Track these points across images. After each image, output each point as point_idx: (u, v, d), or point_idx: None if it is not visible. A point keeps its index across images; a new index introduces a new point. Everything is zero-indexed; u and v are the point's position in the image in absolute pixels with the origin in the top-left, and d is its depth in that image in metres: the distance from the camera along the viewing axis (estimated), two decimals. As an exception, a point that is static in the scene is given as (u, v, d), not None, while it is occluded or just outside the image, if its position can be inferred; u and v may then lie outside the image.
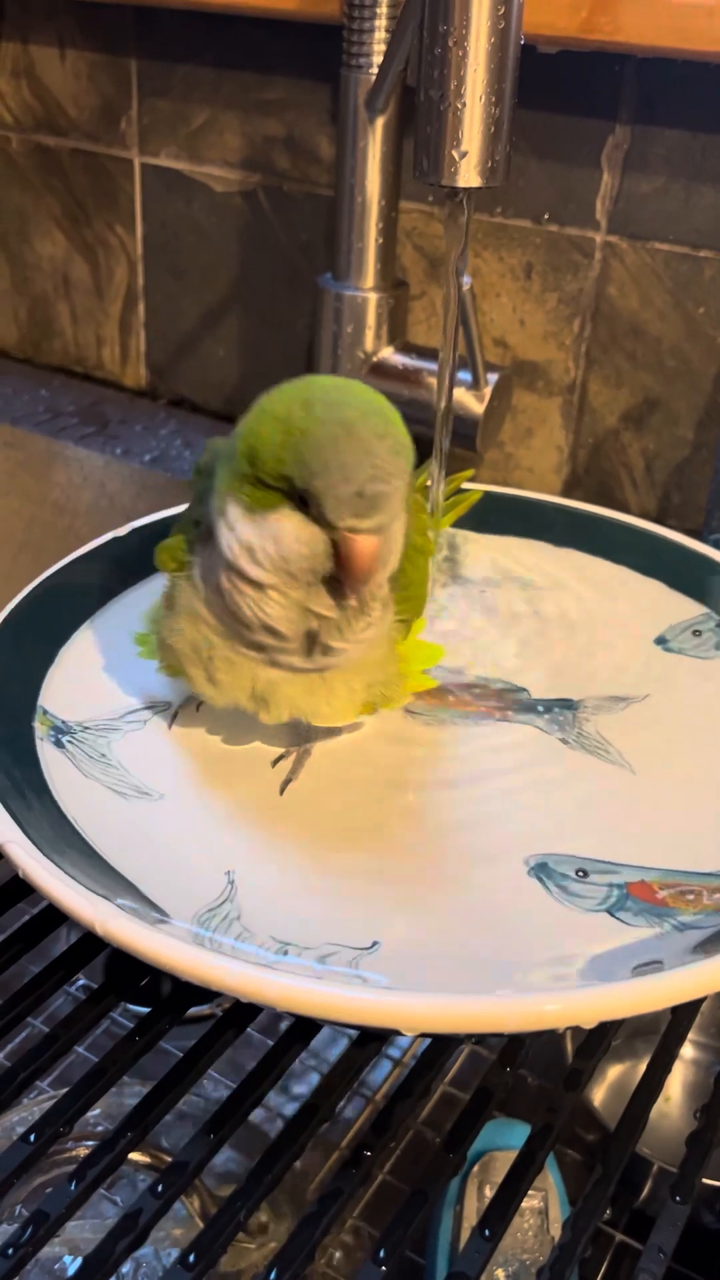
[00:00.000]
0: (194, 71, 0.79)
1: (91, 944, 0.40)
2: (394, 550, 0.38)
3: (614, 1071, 0.66)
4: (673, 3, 0.57)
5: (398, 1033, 0.33)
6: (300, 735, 0.45)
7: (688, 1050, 0.68)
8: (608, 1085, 0.65)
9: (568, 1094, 0.37)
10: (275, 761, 0.44)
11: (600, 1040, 0.40)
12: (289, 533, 0.37)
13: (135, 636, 0.45)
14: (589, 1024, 0.32)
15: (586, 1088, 0.45)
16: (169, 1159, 0.56)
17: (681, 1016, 0.40)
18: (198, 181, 0.82)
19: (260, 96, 0.77)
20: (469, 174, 0.41)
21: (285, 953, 0.36)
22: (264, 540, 0.37)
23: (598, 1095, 0.64)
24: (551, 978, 0.35)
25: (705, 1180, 0.57)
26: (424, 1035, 0.35)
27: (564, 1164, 0.61)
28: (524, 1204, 0.54)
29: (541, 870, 0.40)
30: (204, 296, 0.85)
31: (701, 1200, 0.59)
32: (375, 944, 0.37)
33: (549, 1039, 0.65)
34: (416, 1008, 0.32)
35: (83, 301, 0.92)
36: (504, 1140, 0.55)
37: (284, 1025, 0.39)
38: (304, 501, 0.36)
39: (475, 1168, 0.54)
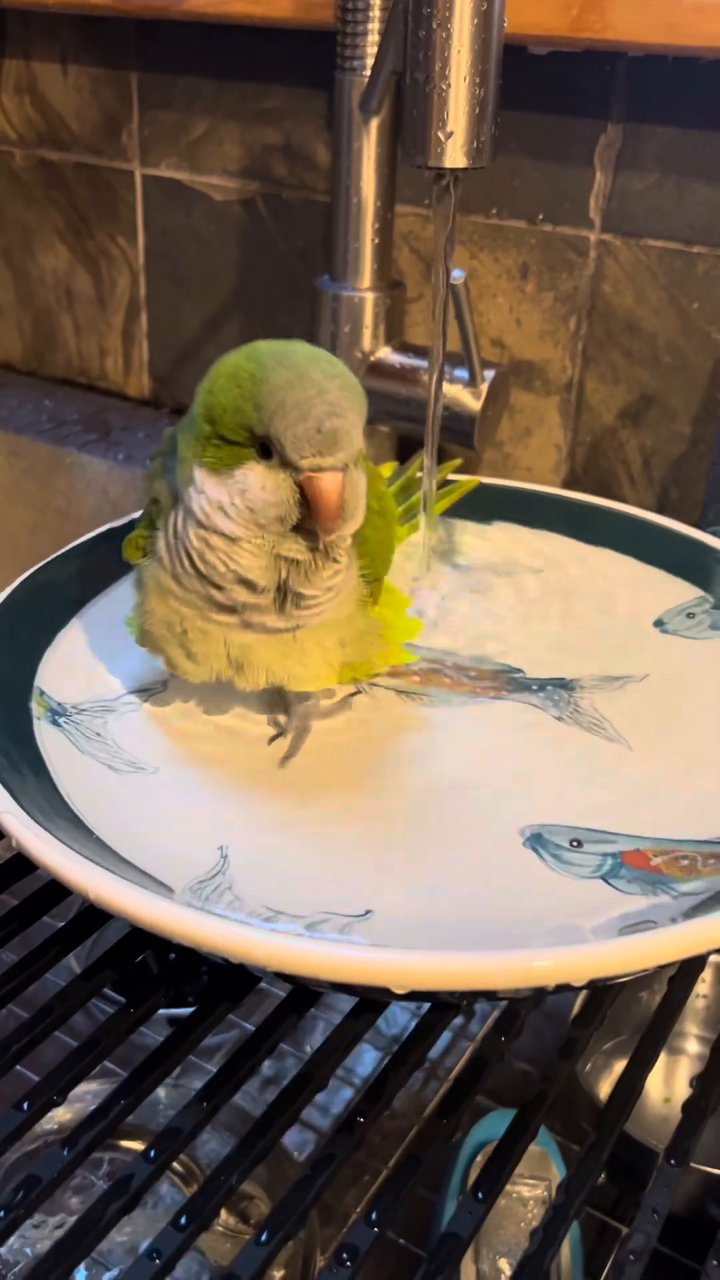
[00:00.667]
0: (194, 83, 0.80)
1: (87, 922, 0.41)
2: (359, 495, 0.39)
3: (619, 1066, 0.65)
4: (661, 0, 0.58)
5: (389, 993, 0.33)
6: (293, 712, 0.45)
7: (692, 1045, 0.67)
8: (613, 1080, 0.65)
9: (563, 1062, 0.37)
10: (272, 740, 0.44)
11: (596, 1010, 0.40)
12: (255, 483, 0.38)
13: (125, 619, 0.46)
14: (579, 981, 0.32)
15: (580, 1060, 0.44)
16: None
17: (678, 986, 0.40)
18: (198, 191, 0.83)
19: (258, 105, 0.78)
20: (455, 154, 0.42)
21: (276, 919, 0.36)
22: (232, 495, 0.39)
23: (604, 1090, 0.64)
24: (544, 942, 0.35)
25: (709, 1169, 0.56)
26: (416, 999, 0.35)
27: (570, 1156, 0.61)
28: (527, 1193, 0.53)
29: (536, 841, 0.40)
30: (205, 304, 0.86)
31: (707, 1191, 0.58)
32: (368, 912, 0.37)
33: (545, 1025, 0.65)
34: (406, 964, 0.32)
35: (86, 313, 0.93)
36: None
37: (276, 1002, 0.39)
38: (266, 451, 0.38)
39: (478, 1158, 0.54)
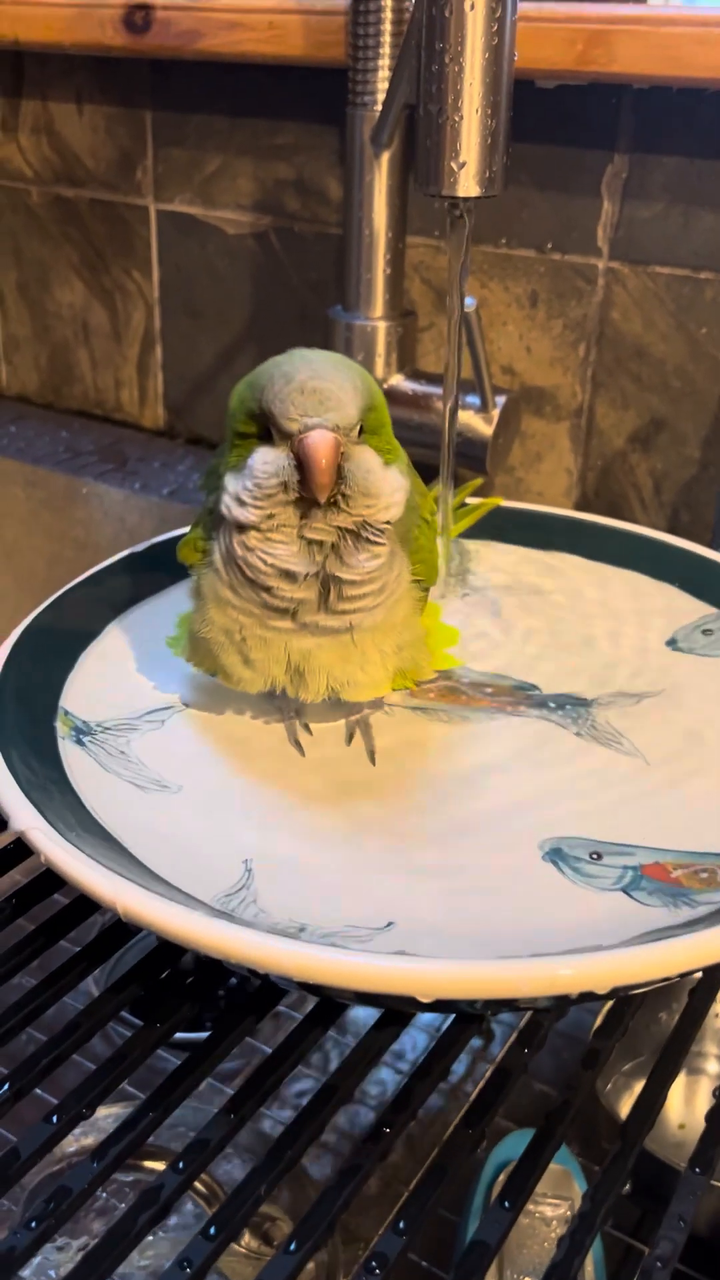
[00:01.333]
0: (207, 120, 0.82)
1: (107, 943, 0.41)
2: (369, 470, 0.40)
3: (640, 1086, 0.65)
4: (664, 32, 0.59)
5: (415, 1003, 0.33)
6: (350, 715, 0.47)
7: (712, 1066, 0.67)
8: (634, 1099, 0.65)
9: (585, 1072, 0.38)
10: (348, 739, 0.46)
11: (618, 1023, 0.40)
12: (258, 461, 0.40)
13: (167, 640, 0.47)
14: (602, 989, 0.33)
15: (601, 1072, 0.45)
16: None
17: (699, 998, 0.40)
18: (211, 225, 0.85)
19: (271, 141, 0.80)
20: (468, 184, 0.43)
21: (301, 932, 0.36)
22: (244, 480, 0.41)
23: (625, 1110, 0.64)
24: (565, 952, 0.36)
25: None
26: (440, 1009, 0.35)
27: (592, 1178, 0.61)
28: (550, 1213, 0.53)
29: (556, 854, 0.40)
30: (219, 336, 0.88)
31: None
32: (390, 924, 0.37)
33: (566, 1047, 0.65)
34: (431, 973, 0.32)
35: (101, 346, 0.94)
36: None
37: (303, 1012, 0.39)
38: (269, 434, 0.40)
39: (500, 1177, 0.54)
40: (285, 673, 0.43)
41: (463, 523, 0.57)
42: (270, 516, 0.40)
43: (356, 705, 0.46)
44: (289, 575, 0.41)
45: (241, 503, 0.41)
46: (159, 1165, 0.50)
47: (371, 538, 0.41)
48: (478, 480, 0.60)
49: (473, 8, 0.41)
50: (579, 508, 0.76)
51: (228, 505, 0.41)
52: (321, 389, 0.39)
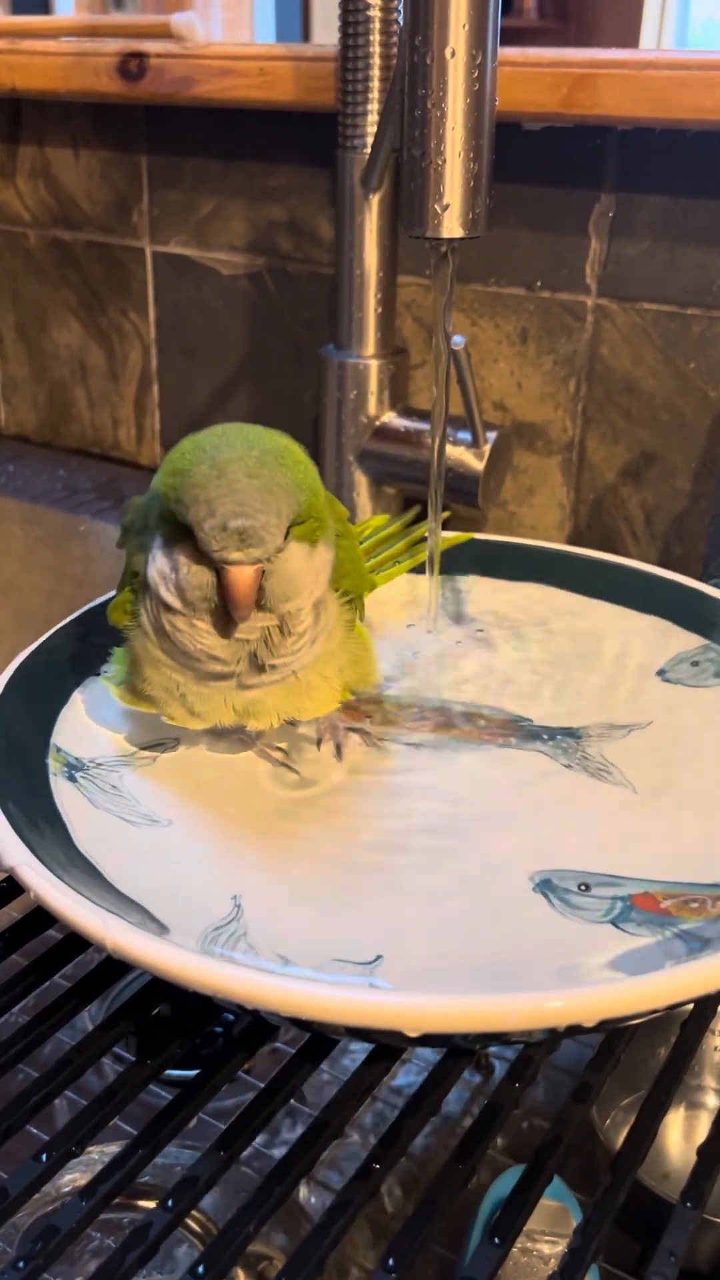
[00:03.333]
0: (202, 164, 0.83)
1: (100, 978, 0.41)
2: (291, 579, 0.41)
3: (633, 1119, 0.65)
4: (646, 75, 0.60)
5: (403, 1037, 0.33)
6: (317, 724, 0.48)
7: (711, 1100, 0.67)
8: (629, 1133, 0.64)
9: (576, 1106, 0.38)
10: (319, 743, 0.47)
11: (609, 1055, 0.40)
12: (184, 563, 0.40)
13: (103, 678, 0.48)
14: (590, 1021, 0.33)
15: (593, 1105, 0.44)
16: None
17: (690, 1029, 0.40)
18: (206, 266, 0.86)
19: (264, 184, 0.81)
20: (452, 225, 0.44)
21: (289, 966, 0.37)
22: (170, 569, 0.41)
23: (617, 1143, 0.63)
24: (555, 985, 0.36)
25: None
26: (429, 1043, 0.35)
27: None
28: (547, 1250, 0.53)
29: (546, 886, 0.40)
30: (215, 375, 0.89)
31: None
32: (379, 958, 0.37)
33: (565, 1081, 0.64)
34: (417, 1007, 0.32)
35: (99, 385, 0.95)
36: (526, 1187, 0.55)
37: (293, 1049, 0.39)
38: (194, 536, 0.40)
39: (496, 1215, 0.53)
40: (233, 716, 0.44)
41: (421, 556, 0.58)
42: (195, 614, 0.41)
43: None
44: (219, 660, 0.42)
45: (168, 588, 0.41)
46: (153, 1205, 0.50)
47: (294, 627, 0.42)
48: (445, 513, 0.60)
49: (453, 55, 0.41)
50: (572, 541, 0.77)
51: (154, 580, 0.41)
52: (244, 529, 0.38)
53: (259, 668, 0.42)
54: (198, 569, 0.40)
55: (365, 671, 0.46)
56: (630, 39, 2.89)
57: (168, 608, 0.41)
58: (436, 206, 0.44)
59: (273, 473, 0.39)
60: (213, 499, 0.39)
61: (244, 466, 0.39)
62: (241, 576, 0.39)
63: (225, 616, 0.40)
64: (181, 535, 0.40)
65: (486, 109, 0.43)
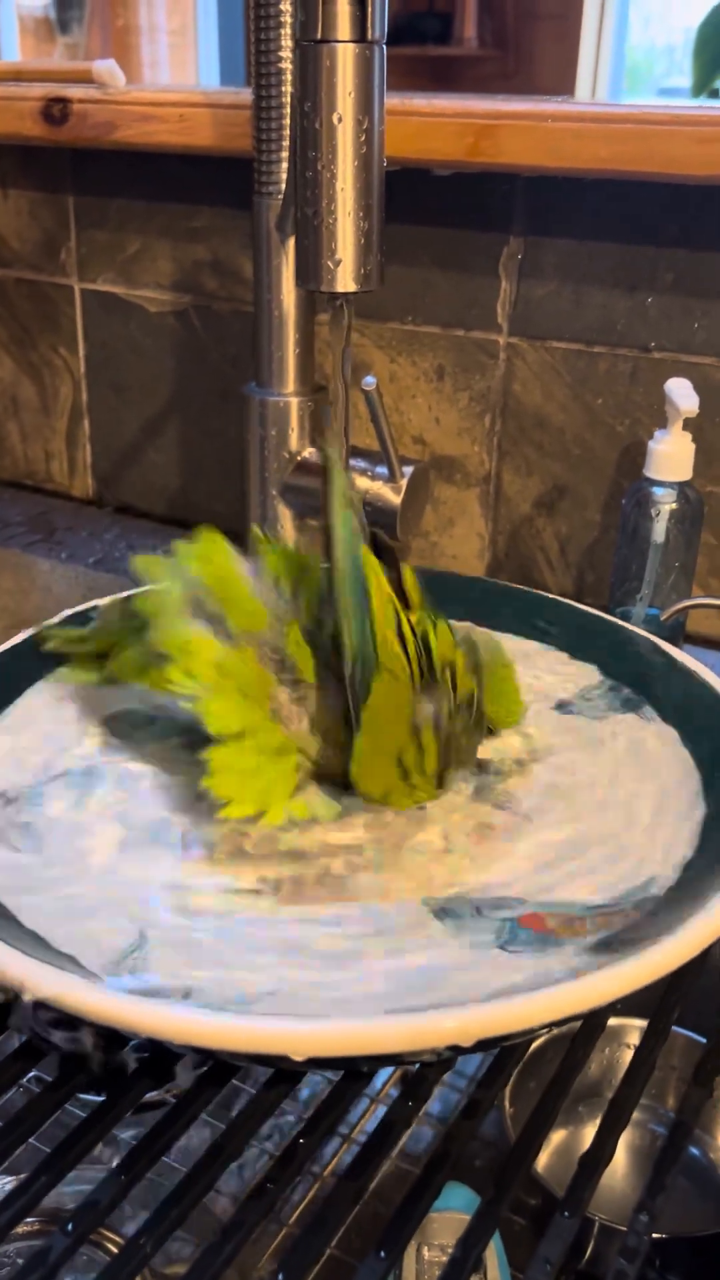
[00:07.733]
0: (127, 205, 0.85)
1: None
2: None
3: (557, 1137, 0.67)
4: (545, 127, 0.63)
5: (290, 1061, 0.35)
6: None
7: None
8: (552, 1150, 0.66)
9: (465, 1122, 0.39)
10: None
11: (500, 1072, 0.42)
12: None
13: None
14: (467, 1041, 0.34)
15: (485, 1119, 0.46)
16: (111, 1236, 0.57)
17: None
18: (134, 304, 0.87)
19: (188, 225, 0.83)
20: (345, 279, 0.46)
21: (188, 996, 0.38)
22: None
23: (542, 1160, 0.65)
24: (434, 1006, 0.37)
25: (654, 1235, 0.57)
26: (318, 1066, 0.37)
27: (510, 1233, 0.62)
28: (460, 1263, 0.54)
29: (442, 913, 0.42)
30: (144, 409, 0.90)
31: (647, 1261, 0.59)
32: (279, 986, 0.39)
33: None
34: (302, 1032, 0.34)
35: (31, 419, 0.97)
36: (442, 1202, 0.56)
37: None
38: None
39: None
40: None
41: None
42: None
43: None
44: None
45: None
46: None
47: None
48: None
49: (340, 120, 0.44)
50: (492, 570, 0.79)
51: None
52: None
53: None
54: None
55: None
56: (568, 68, 2.93)
57: None
58: (329, 262, 0.46)
59: None
60: None
61: None
62: None
63: None
64: None
65: (375, 170, 0.45)
